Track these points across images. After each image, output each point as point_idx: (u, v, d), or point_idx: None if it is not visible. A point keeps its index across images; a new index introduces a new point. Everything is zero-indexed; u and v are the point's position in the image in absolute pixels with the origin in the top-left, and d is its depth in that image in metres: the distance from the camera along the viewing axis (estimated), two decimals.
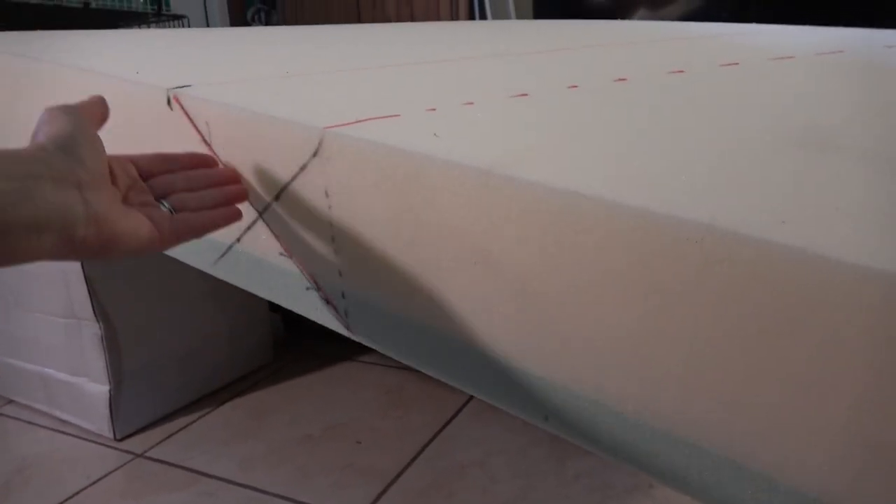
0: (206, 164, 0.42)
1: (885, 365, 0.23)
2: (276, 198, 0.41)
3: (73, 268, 0.92)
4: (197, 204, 0.39)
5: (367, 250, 0.38)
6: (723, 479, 0.28)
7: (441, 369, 0.37)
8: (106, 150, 0.36)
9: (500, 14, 1.88)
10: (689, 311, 0.27)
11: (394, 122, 0.38)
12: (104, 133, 0.51)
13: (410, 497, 0.84)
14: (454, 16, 1.92)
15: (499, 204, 0.31)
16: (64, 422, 1.04)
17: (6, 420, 1.07)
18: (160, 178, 0.39)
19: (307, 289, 0.43)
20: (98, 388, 0.98)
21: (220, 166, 0.43)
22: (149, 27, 1.56)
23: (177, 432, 1.01)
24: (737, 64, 0.55)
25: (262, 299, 0.57)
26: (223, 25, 2.24)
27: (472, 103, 0.42)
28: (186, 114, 0.44)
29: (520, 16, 1.90)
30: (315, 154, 0.38)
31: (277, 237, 0.43)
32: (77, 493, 0.88)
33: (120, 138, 0.51)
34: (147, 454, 0.95)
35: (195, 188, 0.40)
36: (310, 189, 0.39)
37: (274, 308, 1.21)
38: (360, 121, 0.38)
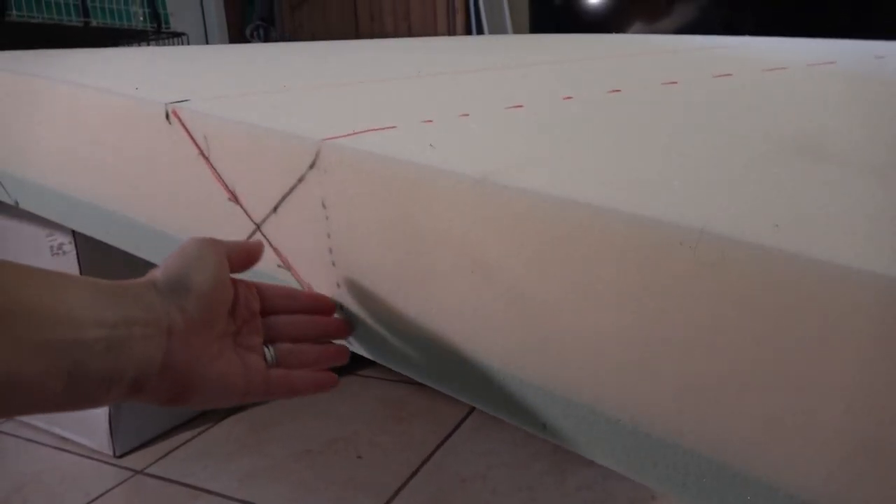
0: (324, 310, 0.40)
1: (879, 367, 0.23)
2: (274, 210, 0.41)
3: None
4: (298, 361, 0.37)
5: (365, 261, 0.38)
6: (721, 485, 0.28)
7: (438, 379, 0.37)
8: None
9: (498, 29, 1.90)
10: (683, 316, 0.27)
11: (390, 133, 0.38)
12: (104, 148, 0.52)
13: None
14: (451, 30, 1.94)
15: (494, 213, 0.31)
16: (63, 439, 1.03)
17: (5, 438, 1.06)
18: (277, 319, 0.38)
19: None
20: None
21: (335, 316, 0.41)
22: (148, 45, 1.57)
23: (177, 448, 1.00)
24: (730, 75, 0.56)
25: None
26: (222, 42, 2.26)
27: (467, 115, 0.43)
28: (185, 127, 0.45)
29: (516, 30, 1.92)
30: (312, 166, 0.38)
31: (276, 249, 0.43)
32: None
33: (119, 153, 0.52)
34: (147, 471, 0.95)
35: (301, 338, 0.38)
36: (307, 201, 0.39)
37: None
38: (356, 133, 0.38)
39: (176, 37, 1.58)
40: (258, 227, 0.43)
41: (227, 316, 0.34)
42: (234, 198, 0.43)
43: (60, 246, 0.92)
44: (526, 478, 0.87)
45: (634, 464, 0.31)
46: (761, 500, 0.27)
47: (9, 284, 0.27)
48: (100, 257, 0.92)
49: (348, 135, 0.38)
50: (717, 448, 0.28)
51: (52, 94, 0.58)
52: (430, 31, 1.97)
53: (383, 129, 0.39)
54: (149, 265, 0.53)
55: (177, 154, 0.45)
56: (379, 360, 0.40)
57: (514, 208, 0.30)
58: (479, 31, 1.89)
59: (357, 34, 2.11)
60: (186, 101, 0.45)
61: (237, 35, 2.32)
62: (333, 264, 0.40)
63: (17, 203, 0.66)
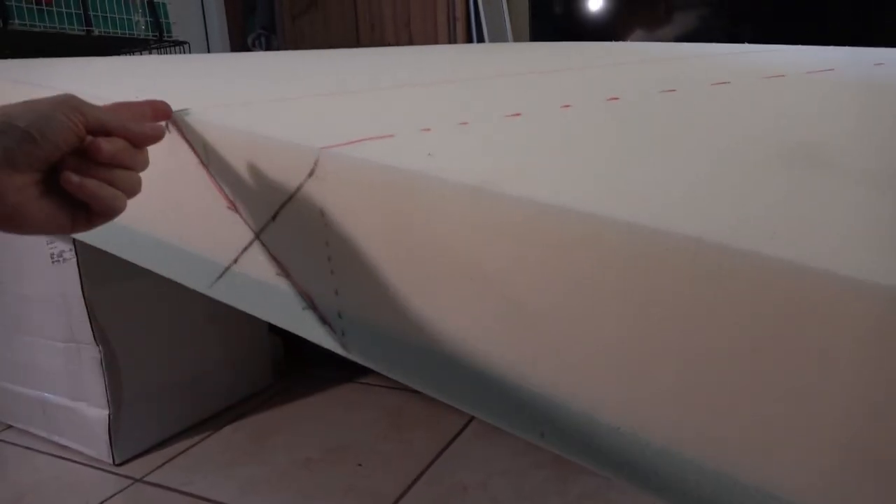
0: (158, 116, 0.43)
1: (877, 375, 0.23)
2: (273, 218, 0.41)
3: (73, 292, 0.92)
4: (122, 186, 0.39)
5: (363, 269, 0.38)
6: (721, 492, 0.28)
7: (437, 387, 0.37)
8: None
9: (498, 37, 1.91)
10: (681, 324, 0.27)
11: (388, 142, 0.38)
12: None
13: None
14: (452, 39, 1.94)
15: (491, 221, 0.31)
16: (63, 447, 1.03)
17: (5, 446, 1.06)
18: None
19: (304, 309, 0.43)
20: (97, 413, 0.97)
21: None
22: (150, 53, 1.58)
23: (177, 456, 1.00)
24: (728, 83, 0.56)
25: (261, 321, 0.57)
26: (224, 51, 2.27)
27: (466, 123, 0.43)
28: (184, 136, 0.45)
29: (517, 38, 1.93)
30: (311, 174, 0.38)
31: (274, 257, 0.43)
32: None
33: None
34: (147, 479, 0.95)
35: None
36: (306, 209, 0.39)
37: (274, 330, 1.21)
38: (355, 141, 0.38)
39: (178, 45, 1.59)
40: (257, 235, 0.43)
41: (57, 159, 0.36)
42: (234, 206, 0.44)
43: (61, 253, 0.92)
44: (527, 486, 0.87)
45: (633, 473, 0.30)
46: None
47: None
48: (100, 264, 0.92)
49: (347, 143, 0.38)
50: (716, 456, 0.28)
51: None
52: (431, 39, 1.97)
53: (382, 137, 0.39)
54: (147, 272, 0.53)
55: (176, 163, 0.46)
56: (377, 369, 0.40)
57: (512, 217, 0.30)
58: (480, 40, 1.90)
59: (358, 43, 2.11)
60: (186, 109, 0.45)
61: (239, 43, 2.33)
62: (332, 272, 0.40)
63: None
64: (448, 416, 1.04)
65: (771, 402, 0.25)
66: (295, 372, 1.26)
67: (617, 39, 1.69)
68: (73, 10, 1.36)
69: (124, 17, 1.46)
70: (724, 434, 0.27)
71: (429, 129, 0.41)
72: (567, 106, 0.48)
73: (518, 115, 0.45)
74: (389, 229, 0.36)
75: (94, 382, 0.96)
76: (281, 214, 0.41)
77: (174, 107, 0.46)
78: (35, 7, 1.30)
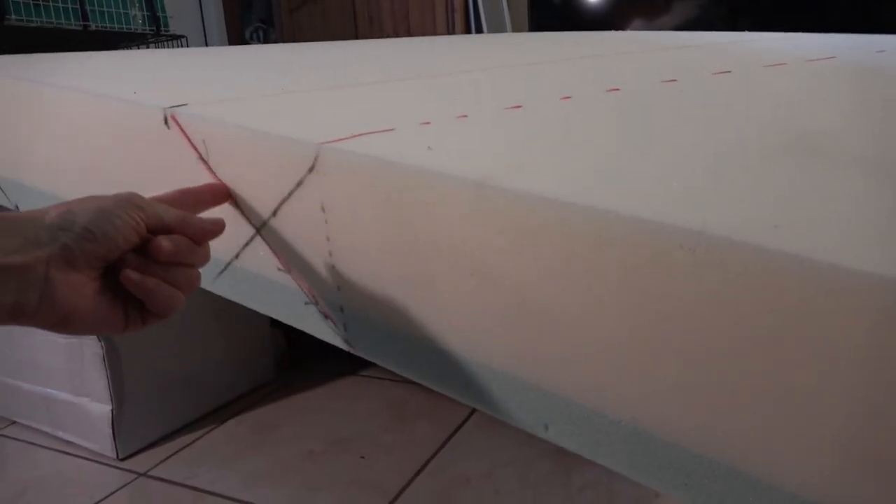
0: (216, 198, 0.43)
1: (879, 368, 0.23)
2: (274, 213, 0.41)
3: None
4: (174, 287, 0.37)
5: (364, 264, 0.38)
6: (722, 485, 0.28)
7: (439, 381, 0.37)
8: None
9: (497, 28, 1.90)
10: (683, 317, 0.27)
11: (388, 136, 0.38)
12: (102, 152, 0.52)
13: None
14: (451, 30, 1.93)
15: (492, 215, 0.31)
16: (66, 442, 1.04)
17: (8, 442, 1.06)
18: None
19: (306, 304, 0.43)
20: (100, 408, 0.98)
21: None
22: (147, 47, 1.57)
23: (180, 450, 1.01)
24: (729, 72, 0.56)
25: (263, 316, 0.57)
26: (222, 45, 2.26)
27: (466, 116, 0.42)
28: (183, 132, 0.45)
29: (516, 29, 1.92)
30: (311, 169, 0.38)
31: (275, 253, 0.43)
32: None
33: (118, 158, 0.52)
34: (150, 473, 0.95)
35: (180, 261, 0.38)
36: (306, 204, 0.39)
37: (276, 325, 1.21)
38: (355, 136, 0.38)
39: (175, 39, 1.58)
40: (258, 230, 0.43)
41: (116, 258, 0.35)
42: (234, 202, 0.43)
43: None
44: (530, 477, 0.87)
45: (636, 464, 0.31)
46: (763, 500, 0.27)
47: None
48: None
49: (347, 138, 0.38)
50: (718, 448, 0.28)
51: (50, 99, 0.58)
52: (430, 31, 1.96)
53: (381, 131, 0.39)
54: None
55: (176, 158, 0.45)
56: (379, 362, 0.40)
57: (513, 211, 0.30)
58: (479, 31, 1.89)
59: (356, 35, 2.10)
60: (185, 105, 0.45)
61: (236, 37, 2.32)
62: (333, 267, 0.40)
63: (17, 207, 0.66)
64: (451, 408, 1.05)
65: (773, 395, 0.25)
66: (297, 366, 1.26)
67: (616, 29, 1.68)
68: (69, 6, 1.35)
69: (121, 11, 1.45)
70: (725, 427, 0.27)
71: (429, 123, 0.41)
72: (567, 97, 0.48)
73: (518, 107, 0.45)
74: (390, 223, 0.36)
75: (97, 378, 0.97)
76: (281, 210, 0.41)
77: (173, 102, 0.46)
78: (31, 2, 1.29)
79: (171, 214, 0.37)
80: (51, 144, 0.58)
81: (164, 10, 1.55)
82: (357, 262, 0.38)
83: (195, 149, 0.44)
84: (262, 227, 0.43)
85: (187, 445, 1.02)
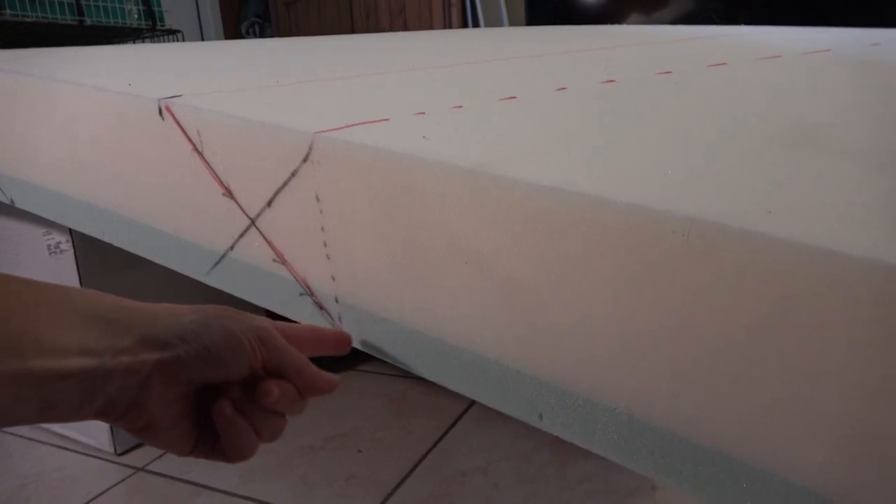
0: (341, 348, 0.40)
1: (874, 353, 0.23)
2: (269, 204, 0.41)
3: (71, 283, 0.92)
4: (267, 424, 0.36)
5: (359, 254, 0.38)
6: (717, 472, 0.28)
7: (434, 371, 0.37)
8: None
9: (494, 22, 1.90)
10: (677, 304, 0.27)
11: (383, 125, 0.38)
12: (98, 145, 0.52)
13: None
14: (447, 25, 1.93)
15: (487, 203, 0.31)
16: (64, 437, 1.03)
17: (6, 437, 1.06)
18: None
19: (301, 295, 0.43)
20: None
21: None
22: (143, 42, 1.57)
23: None
24: (725, 64, 0.56)
25: (259, 309, 0.57)
26: (218, 39, 2.25)
27: (461, 107, 0.42)
28: (178, 123, 0.44)
29: (513, 23, 1.91)
30: (306, 159, 0.38)
31: (270, 243, 0.43)
32: None
33: (113, 150, 0.52)
34: (148, 468, 0.95)
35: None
36: (301, 194, 0.39)
37: (272, 317, 1.21)
38: (349, 125, 0.38)
39: (171, 34, 1.58)
40: (252, 221, 0.43)
41: (218, 384, 0.33)
42: (229, 192, 0.43)
43: (58, 245, 0.92)
44: (527, 470, 0.88)
45: (630, 452, 0.31)
46: (757, 486, 0.27)
47: None
48: (97, 255, 0.92)
49: (341, 128, 0.38)
50: (712, 435, 0.28)
51: (46, 93, 0.58)
52: (426, 25, 1.96)
53: (376, 121, 0.39)
54: (145, 262, 0.53)
55: (170, 149, 0.45)
56: (374, 354, 0.40)
57: (508, 199, 0.30)
58: (476, 25, 1.88)
59: (353, 30, 2.10)
60: (179, 96, 0.45)
61: (232, 32, 2.32)
62: (328, 257, 0.40)
63: (12, 202, 0.65)
64: (447, 402, 1.05)
65: (767, 381, 0.25)
66: None
67: (613, 23, 1.68)
68: (64, 0, 1.35)
69: (116, 6, 1.45)
70: (720, 413, 0.27)
71: (423, 113, 0.41)
72: (563, 89, 0.48)
73: (513, 98, 0.45)
74: (385, 213, 0.36)
75: None
76: (276, 200, 0.41)
77: (167, 94, 0.46)
78: None
79: (291, 361, 0.35)
80: (46, 138, 0.58)
81: (159, 5, 1.54)
82: (352, 251, 0.38)
83: (189, 139, 0.44)
84: (256, 218, 0.43)
85: None
